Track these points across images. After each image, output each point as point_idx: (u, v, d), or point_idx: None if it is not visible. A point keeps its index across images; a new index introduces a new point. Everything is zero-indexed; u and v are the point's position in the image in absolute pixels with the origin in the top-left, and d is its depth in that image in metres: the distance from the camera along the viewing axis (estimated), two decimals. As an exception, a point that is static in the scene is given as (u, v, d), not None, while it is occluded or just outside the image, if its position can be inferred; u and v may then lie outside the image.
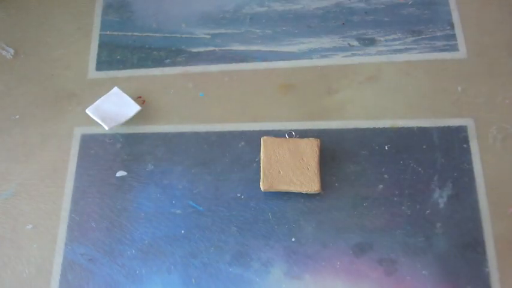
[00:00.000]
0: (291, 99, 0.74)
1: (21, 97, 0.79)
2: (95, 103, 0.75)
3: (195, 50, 0.80)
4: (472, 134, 0.69)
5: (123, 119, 0.73)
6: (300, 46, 0.78)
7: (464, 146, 0.69)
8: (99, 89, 0.77)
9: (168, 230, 0.67)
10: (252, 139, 0.72)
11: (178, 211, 0.68)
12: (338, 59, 0.76)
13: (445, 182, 0.67)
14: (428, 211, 0.65)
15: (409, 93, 0.73)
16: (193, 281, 0.64)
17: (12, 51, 0.82)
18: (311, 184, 0.65)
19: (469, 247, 0.63)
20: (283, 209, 0.67)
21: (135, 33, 0.82)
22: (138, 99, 0.76)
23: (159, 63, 0.79)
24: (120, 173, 0.71)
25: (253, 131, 0.73)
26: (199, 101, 0.76)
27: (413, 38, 0.77)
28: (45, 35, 0.83)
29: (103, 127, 0.73)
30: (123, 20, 0.84)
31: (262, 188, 0.66)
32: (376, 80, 0.74)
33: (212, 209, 0.68)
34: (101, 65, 0.80)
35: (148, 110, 0.76)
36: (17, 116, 0.77)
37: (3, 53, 0.82)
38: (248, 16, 0.82)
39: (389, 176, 0.68)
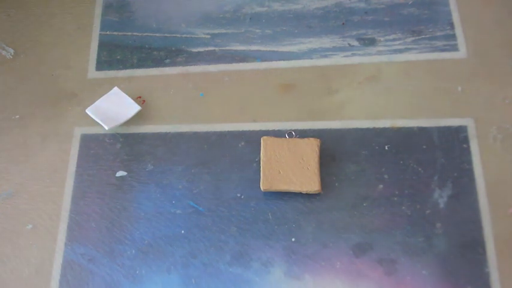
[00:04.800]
0: (291, 99, 0.74)
1: (21, 97, 0.79)
2: (94, 103, 0.75)
3: (195, 50, 0.80)
4: (472, 134, 0.69)
5: (123, 119, 0.73)
6: (300, 46, 0.78)
7: (464, 146, 0.69)
8: (99, 89, 0.77)
9: (168, 230, 0.67)
10: (252, 139, 0.72)
11: (178, 211, 0.68)
12: (338, 59, 0.76)
13: (445, 182, 0.67)
14: (428, 211, 0.65)
15: (409, 93, 0.73)
16: (193, 281, 0.64)
17: (12, 51, 0.82)
18: (311, 184, 0.65)
19: (469, 247, 0.63)
20: (283, 209, 0.67)
21: (135, 33, 0.82)
22: (138, 99, 0.76)
23: (159, 63, 0.79)
24: (120, 173, 0.71)
25: (253, 131, 0.73)
26: (199, 101, 0.76)
27: (413, 38, 0.77)
28: (45, 35, 0.83)
29: (103, 127, 0.73)
30: (123, 20, 0.84)
31: (262, 188, 0.66)
32: (376, 80, 0.74)
33: (212, 209, 0.68)
34: (100, 65, 0.80)
35: (148, 110, 0.76)
36: (17, 116, 0.77)
37: (3, 53, 0.82)
38: (248, 16, 0.82)
39: (389, 176, 0.68)
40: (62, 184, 0.72)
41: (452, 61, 0.74)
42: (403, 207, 0.66)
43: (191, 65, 0.78)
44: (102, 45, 0.82)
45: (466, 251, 0.63)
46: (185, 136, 0.73)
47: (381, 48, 0.77)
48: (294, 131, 0.72)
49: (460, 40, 0.76)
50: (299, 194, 0.67)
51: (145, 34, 0.82)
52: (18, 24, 0.85)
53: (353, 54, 0.76)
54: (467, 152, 0.68)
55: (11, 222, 0.70)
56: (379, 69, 0.75)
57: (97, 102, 0.75)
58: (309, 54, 0.77)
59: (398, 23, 0.78)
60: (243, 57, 0.78)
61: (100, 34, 0.83)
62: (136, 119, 0.74)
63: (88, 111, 0.74)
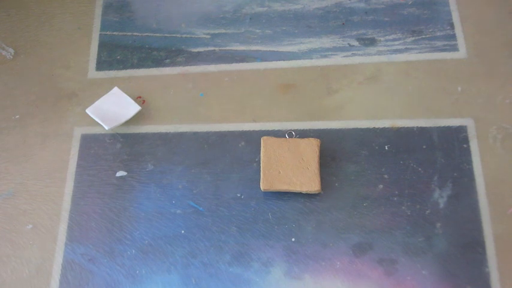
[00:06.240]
0: (291, 99, 0.74)
1: (21, 97, 0.79)
2: (95, 103, 0.75)
3: (195, 50, 0.80)
4: (472, 134, 0.69)
5: (123, 119, 0.73)
6: (300, 46, 0.78)
7: (464, 146, 0.69)
8: (99, 89, 0.77)
9: (168, 230, 0.67)
10: (252, 139, 0.72)
11: (178, 211, 0.68)
12: (338, 59, 0.76)
13: (445, 182, 0.67)
14: (428, 211, 0.65)
15: (409, 93, 0.73)
16: (193, 281, 0.64)
17: (12, 51, 0.82)
18: (311, 184, 0.65)
19: (469, 247, 0.63)
20: (283, 209, 0.67)
21: (135, 33, 0.82)
22: (138, 99, 0.76)
23: (159, 63, 0.79)
24: (120, 173, 0.71)
25: (253, 131, 0.73)
26: (199, 101, 0.76)
27: (413, 38, 0.77)
28: (45, 35, 0.83)
29: (103, 127, 0.73)
30: (123, 20, 0.84)
31: (262, 188, 0.66)
32: (376, 80, 0.74)
33: (212, 209, 0.68)
34: (101, 65, 0.80)
35: (148, 110, 0.76)
36: (17, 116, 0.77)
37: (3, 53, 0.82)
38: (248, 16, 0.82)
39: (389, 176, 0.68)
40: (62, 184, 0.72)
41: (452, 61, 0.74)
42: (403, 207, 0.66)
43: (191, 65, 0.78)
44: (102, 45, 0.82)
45: (466, 251, 0.63)
46: (185, 136, 0.73)
47: (381, 48, 0.77)
48: (294, 131, 0.72)
49: (460, 40, 0.76)
50: (299, 194, 0.67)
51: (145, 34, 0.82)
52: (18, 24, 0.85)
53: (353, 54, 0.77)
54: (467, 152, 0.68)
55: (11, 222, 0.70)
56: (379, 69, 0.75)
57: (97, 102, 0.75)
58: (309, 54, 0.77)
59: (398, 23, 0.78)
60: (243, 57, 0.78)
61: (100, 34, 0.83)
62: (136, 119, 0.74)
63: (88, 111, 0.74)
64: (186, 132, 0.74)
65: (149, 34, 0.82)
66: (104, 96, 0.75)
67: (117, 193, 0.70)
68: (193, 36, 0.81)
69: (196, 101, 0.76)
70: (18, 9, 0.86)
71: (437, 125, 0.70)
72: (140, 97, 0.77)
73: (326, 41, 0.78)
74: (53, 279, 0.66)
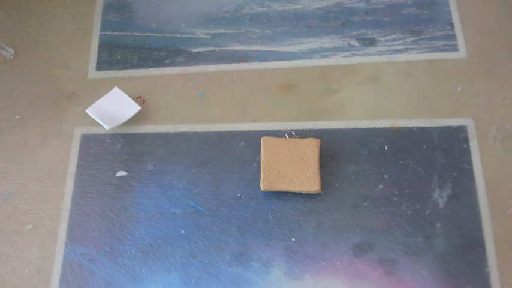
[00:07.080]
0: (291, 99, 0.74)
1: (21, 97, 0.79)
2: (95, 103, 0.75)
3: (195, 50, 0.80)
4: (472, 134, 0.69)
5: (123, 119, 0.73)
6: (300, 46, 0.78)
7: (464, 146, 0.69)
8: (99, 89, 0.77)
9: (168, 230, 0.67)
10: (252, 139, 0.72)
11: (178, 211, 0.68)
12: (338, 59, 0.76)
13: (445, 182, 0.67)
14: (428, 211, 0.65)
15: (409, 93, 0.73)
16: (193, 281, 0.64)
17: (12, 51, 0.82)
18: (311, 184, 0.65)
19: (468, 247, 0.63)
20: (283, 209, 0.67)
21: (135, 33, 0.82)
22: (138, 99, 0.76)
23: (159, 63, 0.79)
24: (120, 173, 0.71)
25: (253, 131, 0.73)
26: (199, 101, 0.76)
27: (413, 38, 0.77)
28: (45, 35, 0.83)
29: (103, 127, 0.73)
30: (123, 20, 0.84)
31: (262, 188, 0.66)
32: (376, 80, 0.74)
33: (212, 209, 0.68)
34: (101, 65, 0.80)
35: (148, 110, 0.76)
36: (17, 116, 0.77)
37: (3, 53, 0.82)
38: (248, 16, 0.82)
39: (389, 176, 0.68)
40: (62, 184, 0.72)
41: (452, 61, 0.74)
42: (403, 207, 0.66)
43: (191, 65, 0.78)
44: (102, 45, 0.82)
45: (466, 251, 0.63)
46: (185, 136, 0.73)
47: (381, 48, 0.77)
48: (294, 131, 0.72)
49: (460, 40, 0.76)
50: (299, 194, 0.67)
51: (145, 34, 0.82)
52: (19, 24, 0.85)
53: (353, 55, 0.77)
54: (467, 152, 0.68)
55: (11, 222, 0.70)
56: (379, 69, 0.75)
57: (97, 102, 0.75)
58: (309, 54, 0.77)
59: (398, 23, 0.78)
60: (243, 57, 0.78)
61: (100, 34, 0.83)
62: (136, 119, 0.74)
63: (88, 111, 0.74)
64: (186, 132, 0.74)
65: (149, 34, 0.82)
66: (104, 96, 0.75)
67: (117, 193, 0.70)
68: (193, 36, 0.81)
69: (196, 101, 0.76)
70: (18, 9, 0.86)
71: (437, 125, 0.70)
72: (140, 97, 0.77)
73: (326, 41, 0.78)
74: (53, 279, 0.66)
